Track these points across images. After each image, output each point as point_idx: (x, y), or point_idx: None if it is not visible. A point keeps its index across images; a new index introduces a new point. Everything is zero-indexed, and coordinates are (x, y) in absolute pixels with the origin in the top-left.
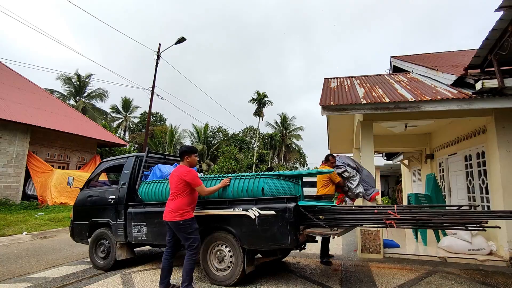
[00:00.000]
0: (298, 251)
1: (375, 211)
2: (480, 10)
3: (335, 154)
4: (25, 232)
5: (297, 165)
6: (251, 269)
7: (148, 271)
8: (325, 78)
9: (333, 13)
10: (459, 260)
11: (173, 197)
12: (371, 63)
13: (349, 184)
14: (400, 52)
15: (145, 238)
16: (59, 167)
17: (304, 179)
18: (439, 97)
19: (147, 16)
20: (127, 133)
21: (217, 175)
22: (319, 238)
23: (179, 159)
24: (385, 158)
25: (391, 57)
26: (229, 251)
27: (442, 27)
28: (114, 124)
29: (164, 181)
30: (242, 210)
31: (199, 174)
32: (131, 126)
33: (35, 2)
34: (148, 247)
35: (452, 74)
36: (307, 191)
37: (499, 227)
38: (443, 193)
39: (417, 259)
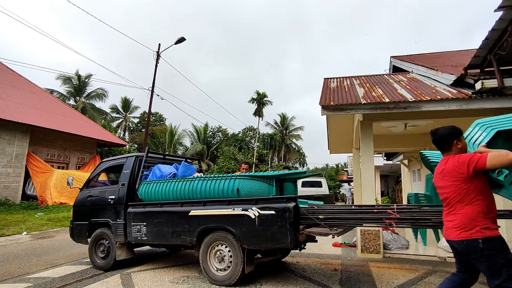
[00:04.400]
0: (298, 251)
1: (375, 210)
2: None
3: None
4: (24, 232)
5: (297, 165)
6: (251, 269)
7: (148, 271)
8: (324, 78)
9: (330, 14)
10: None
11: (453, 207)
12: (367, 63)
13: None
14: (393, 51)
15: (145, 238)
16: (58, 167)
17: (305, 179)
18: (438, 97)
19: (141, 12)
20: (126, 133)
21: (217, 175)
22: (319, 238)
23: (178, 159)
24: (385, 158)
25: (391, 57)
26: (229, 251)
27: (428, 27)
28: (114, 124)
29: (164, 181)
30: (242, 210)
31: (198, 174)
32: (131, 126)
33: (31, 3)
34: (148, 247)
35: (452, 74)
36: (307, 191)
37: (499, 226)
38: None
39: (416, 259)
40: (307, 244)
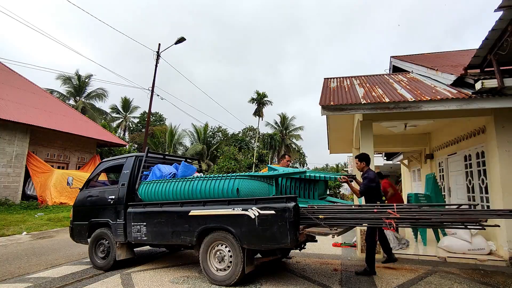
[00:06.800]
0: (298, 250)
1: (375, 210)
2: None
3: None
4: (24, 232)
5: (297, 165)
6: (250, 269)
7: (148, 271)
8: (324, 78)
9: (327, 14)
10: (459, 260)
11: None
12: (366, 63)
13: None
14: (390, 51)
15: (145, 238)
16: (58, 167)
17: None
18: (438, 97)
19: (141, 11)
20: (126, 133)
21: (217, 175)
22: (319, 238)
23: (178, 159)
24: (385, 158)
25: (391, 57)
26: (229, 251)
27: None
28: (114, 124)
29: (164, 181)
30: (242, 210)
31: (198, 174)
32: (131, 126)
33: (30, 2)
34: (148, 247)
35: (452, 74)
36: None
37: (499, 226)
38: (442, 193)
39: (416, 259)
40: (307, 244)
